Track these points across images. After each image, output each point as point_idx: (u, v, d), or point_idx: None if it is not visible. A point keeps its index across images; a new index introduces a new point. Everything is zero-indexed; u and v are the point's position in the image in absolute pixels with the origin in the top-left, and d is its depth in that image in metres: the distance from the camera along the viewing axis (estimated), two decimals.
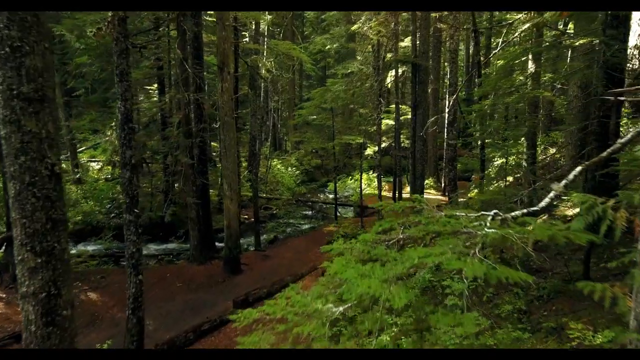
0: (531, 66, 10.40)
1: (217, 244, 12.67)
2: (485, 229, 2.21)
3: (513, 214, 2.37)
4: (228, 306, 8.73)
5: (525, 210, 2.39)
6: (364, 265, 2.28)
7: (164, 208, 10.95)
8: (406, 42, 21.07)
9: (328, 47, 28.10)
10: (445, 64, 27.86)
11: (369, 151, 23.23)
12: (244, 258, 11.65)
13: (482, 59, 12.01)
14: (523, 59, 9.59)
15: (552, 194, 2.38)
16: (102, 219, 14.98)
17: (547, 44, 9.78)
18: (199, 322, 7.91)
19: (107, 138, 22.69)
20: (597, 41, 7.26)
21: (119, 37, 5.29)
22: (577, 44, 8.84)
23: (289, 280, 10.07)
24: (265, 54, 22.00)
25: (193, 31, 10.17)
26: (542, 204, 2.43)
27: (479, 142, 8.45)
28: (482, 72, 17.85)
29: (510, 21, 10.67)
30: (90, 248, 14.17)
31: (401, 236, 2.71)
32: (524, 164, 10.79)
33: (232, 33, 10.29)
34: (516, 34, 9.19)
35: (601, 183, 5.75)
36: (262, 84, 24.42)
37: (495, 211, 2.35)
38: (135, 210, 5.76)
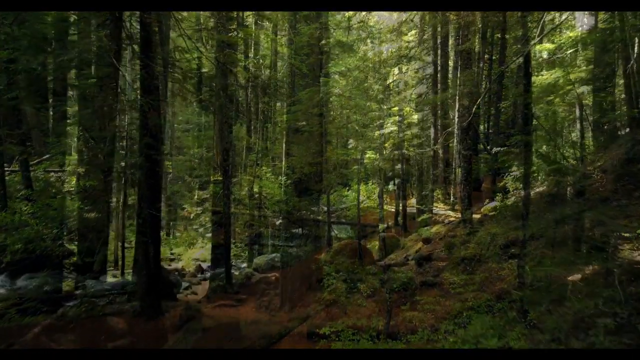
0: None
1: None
2: None
3: None
4: None
5: None
6: None
7: (95, 253, 8.43)
8: (410, 37, 18.60)
9: (323, 42, 25.50)
10: (449, 62, 25.27)
11: (368, 159, 20.74)
12: (209, 307, 9.21)
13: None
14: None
15: None
16: (49, 246, 12.46)
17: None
18: None
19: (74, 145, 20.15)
20: None
21: None
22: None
23: (261, 345, 7.62)
24: (252, 51, 19.58)
25: (135, 15, 7.67)
26: None
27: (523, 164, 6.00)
28: (495, 71, 15.32)
29: None
30: (34, 283, 11.72)
31: None
32: (570, 190, 8.30)
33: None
34: (563, 17, 6.76)
35: None
36: (250, 84, 21.90)
37: None
38: None
